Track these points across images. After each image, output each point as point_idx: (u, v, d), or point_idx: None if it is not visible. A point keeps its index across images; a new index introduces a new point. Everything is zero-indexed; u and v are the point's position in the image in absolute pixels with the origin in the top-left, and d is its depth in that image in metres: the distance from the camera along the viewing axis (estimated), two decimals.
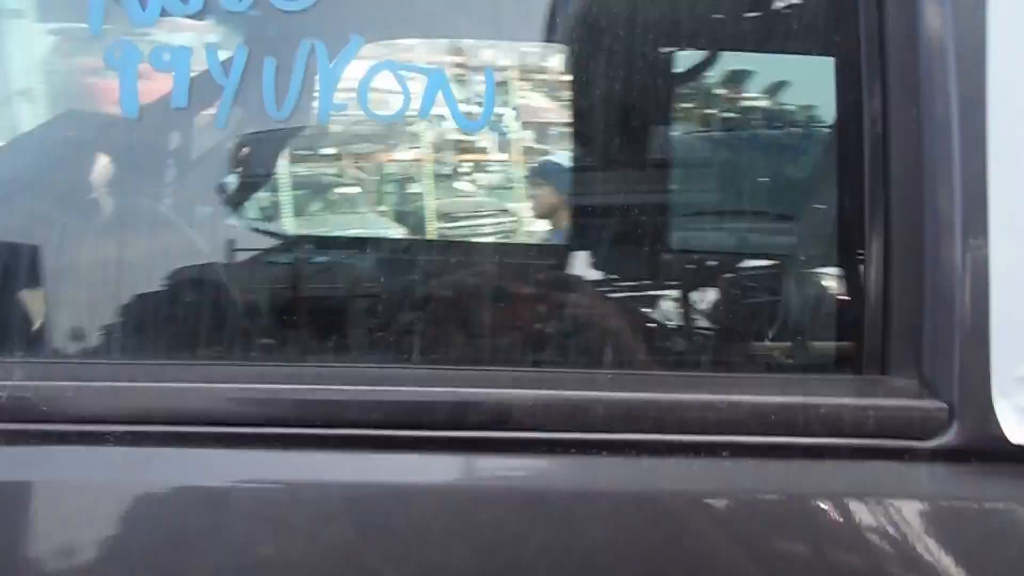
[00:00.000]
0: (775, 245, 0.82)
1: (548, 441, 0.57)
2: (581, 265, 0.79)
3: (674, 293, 0.79)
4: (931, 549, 0.56)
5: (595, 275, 0.79)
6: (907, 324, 0.61)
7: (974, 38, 0.62)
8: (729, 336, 0.81)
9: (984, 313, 0.59)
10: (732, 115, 0.82)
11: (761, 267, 0.82)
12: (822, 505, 0.57)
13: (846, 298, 0.67)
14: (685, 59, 0.79)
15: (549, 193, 0.84)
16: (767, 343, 0.76)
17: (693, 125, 0.84)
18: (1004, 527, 0.56)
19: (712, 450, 0.57)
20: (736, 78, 0.84)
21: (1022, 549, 0.55)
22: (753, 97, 0.83)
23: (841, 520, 0.56)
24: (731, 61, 0.83)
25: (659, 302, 0.80)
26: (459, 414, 0.57)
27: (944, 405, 0.58)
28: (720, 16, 0.76)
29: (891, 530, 0.57)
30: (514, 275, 0.75)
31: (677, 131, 0.80)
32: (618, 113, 0.74)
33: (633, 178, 0.79)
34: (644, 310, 0.78)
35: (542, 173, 0.83)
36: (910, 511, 0.57)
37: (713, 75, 0.81)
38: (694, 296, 0.81)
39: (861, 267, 0.66)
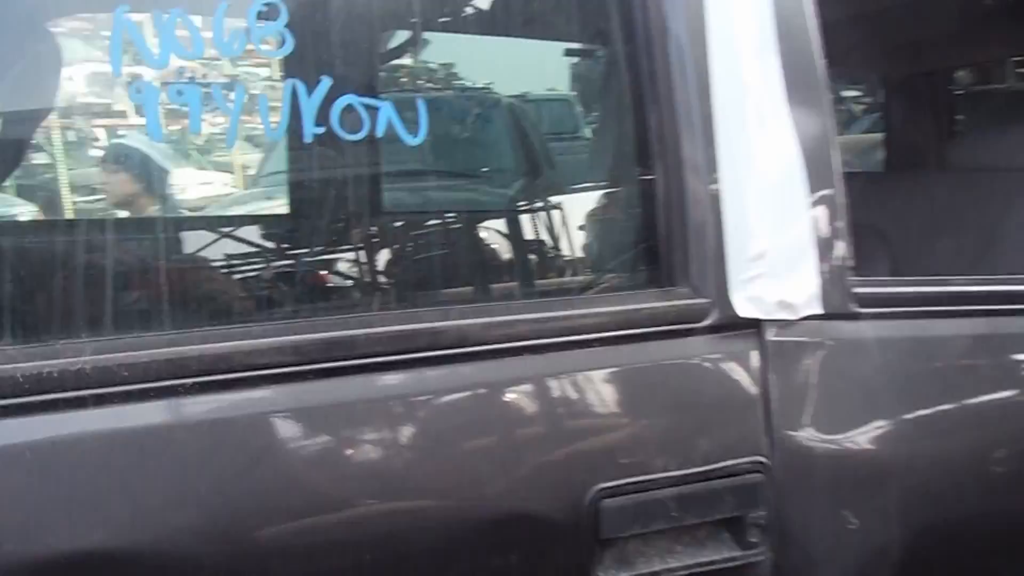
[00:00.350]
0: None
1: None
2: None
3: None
4: (704, 383, 0.82)
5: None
6: (681, 250, 0.86)
7: (697, 26, 0.84)
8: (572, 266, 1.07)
9: (720, 236, 0.84)
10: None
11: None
12: (643, 368, 0.81)
13: (644, 235, 0.90)
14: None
15: (126, 179, 0.97)
16: (606, 272, 1.01)
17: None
18: (742, 365, 0.83)
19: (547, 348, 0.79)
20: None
21: (745, 388, 0.83)
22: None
23: (655, 376, 0.81)
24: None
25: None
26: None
27: (707, 300, 0.84)
28: None
29: (683, 377, 0.82)
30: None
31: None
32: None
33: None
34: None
35: (115, 158, 0.95)
36: (692, 364, 0.83)
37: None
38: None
39: (652, 210, 0.90)
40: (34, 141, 0.93)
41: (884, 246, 1.83)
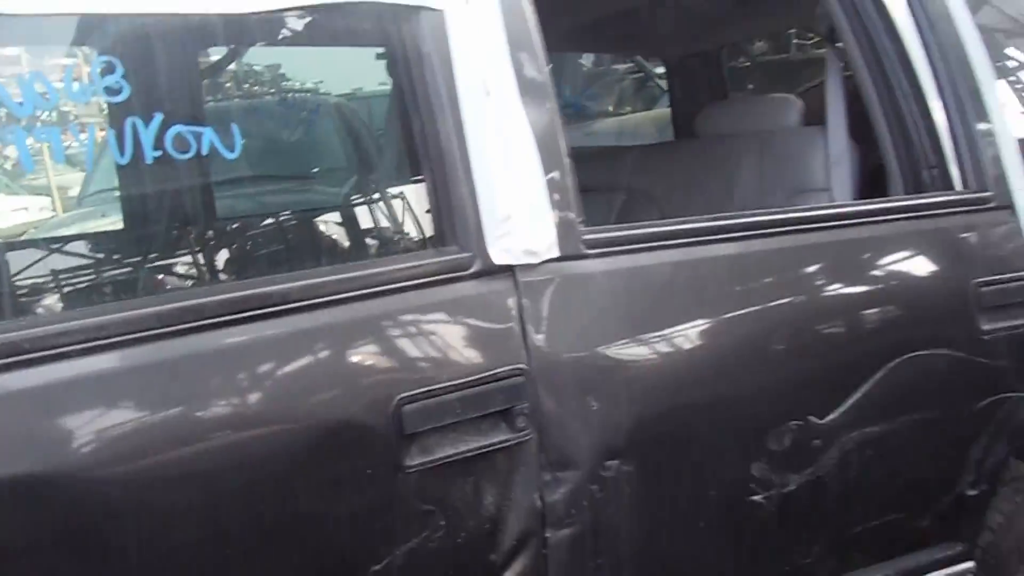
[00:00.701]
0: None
1: None
2: None
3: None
4: (475, 314, 1.10)
5: None
6: (449, 219, 1.13)
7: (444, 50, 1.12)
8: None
9: (477, 207, 1.12)
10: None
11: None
12: (428, 306, 1.08)
13: (427, 211, 1.17)
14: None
15: None
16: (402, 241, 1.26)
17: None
18: (502, 300, 1.12)
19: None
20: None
21: (506, 316, 1.12)
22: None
23: (438, 312, 1.09)
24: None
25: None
26: None
27: (470, 254, 1.12)
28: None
29: (459, 312, 1.10)
30: None
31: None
32: None
33: None
34: None
35: None
36: (465, 301, 1.10)
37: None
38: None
39: (431, 192, 1.17)
40: None
41: (652, 205, 2.20)
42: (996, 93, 1.59)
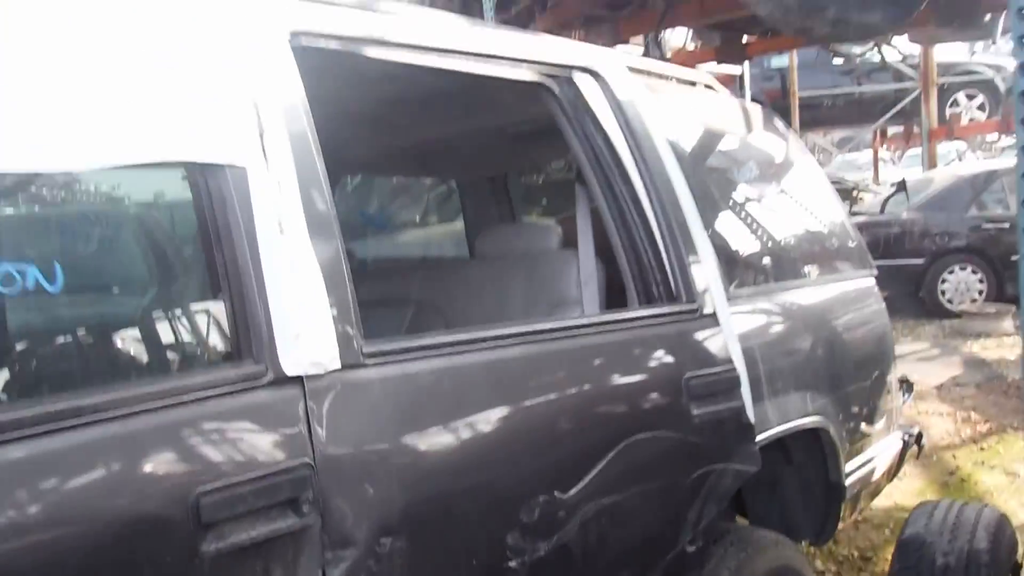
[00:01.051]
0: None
1: None
2: None
3: None
4: (268, 418, 1.31)
5: None
6: (246, 338, 1.33)
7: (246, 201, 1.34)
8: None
9: (271, 328, 1.33)
10: None
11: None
12: (225, 412, 1.27)
13: (227, 330, 1.37)
14: None
15: None
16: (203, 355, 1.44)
17: None
18: (292, 405, 1.33)
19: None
20: None
21: (294, 418, 1.32)
22: None
23: (234, 418, 1.28)
24: None
25: None
26: None
27: (263, 366, 1.32)
28: None
29: (254, 416, 1.29)
30: None
31: None
32: None
33: None
34: None
35: None
36: (260, 407, 1.30)
37: None
38: None
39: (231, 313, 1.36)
40: None
41: (439, 316, 2.49)
42: (700, 227, 2.01)
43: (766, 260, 2.44)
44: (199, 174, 1.33)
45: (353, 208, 4.28)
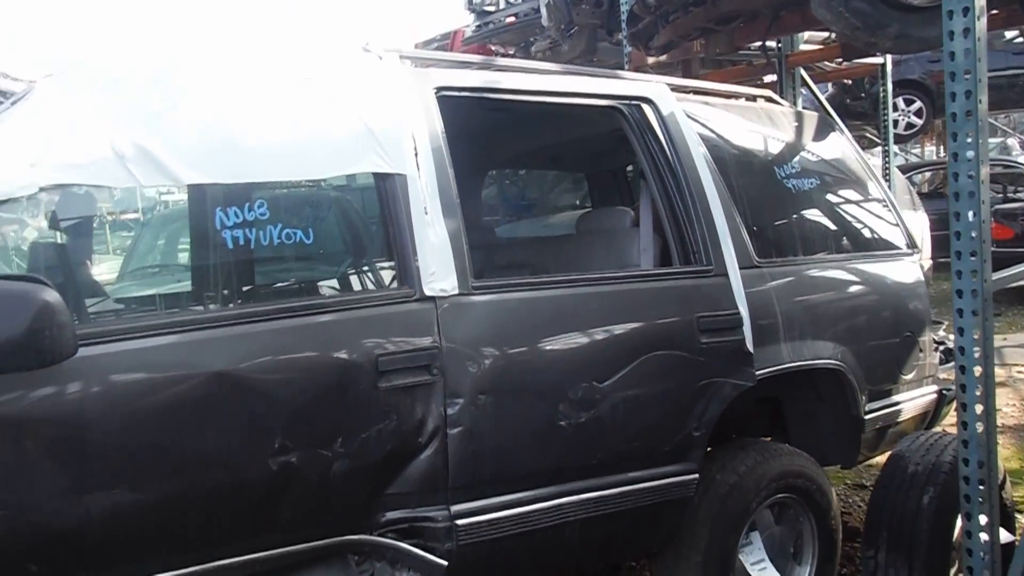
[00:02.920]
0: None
1: None
2: None
3: None
4: (415, 321, 2.29)
5: None
6: (405, 273, 2.29)
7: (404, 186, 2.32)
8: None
9: (418, 268, 2.29)
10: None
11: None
12: (366, 319, 2.26)
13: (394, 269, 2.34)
14: None
15: None
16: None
17: None
18: (429, 314, 2.31)
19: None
20: None
21: (431, 319, 2.30)
22: None
23: (395, 322, 2.27)
24: None
25: None
26: None
27: (414, 290, 2.27)
28: None
29: (406, 321, 2.29)
30: None
31: None
32: None
33: None
34: None
35: None
36: (410, 314, 2.29)
37: None
38: None
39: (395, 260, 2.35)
40: None
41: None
42: (720, 212, 2.81)
43: (794, 238, 3.18)
44: (381, 178, 2.31)
45: (500, 195, 5.31)
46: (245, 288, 2.30)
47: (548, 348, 2.41)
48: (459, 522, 2.23)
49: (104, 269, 2.90)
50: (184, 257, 2.88)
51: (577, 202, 6.95)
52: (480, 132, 3.21)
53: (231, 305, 2.23)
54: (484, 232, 4.19)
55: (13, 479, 1.70)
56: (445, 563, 2.19)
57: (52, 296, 1.62)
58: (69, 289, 2.19)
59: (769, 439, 3.30)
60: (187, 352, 1.92)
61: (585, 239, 3.38)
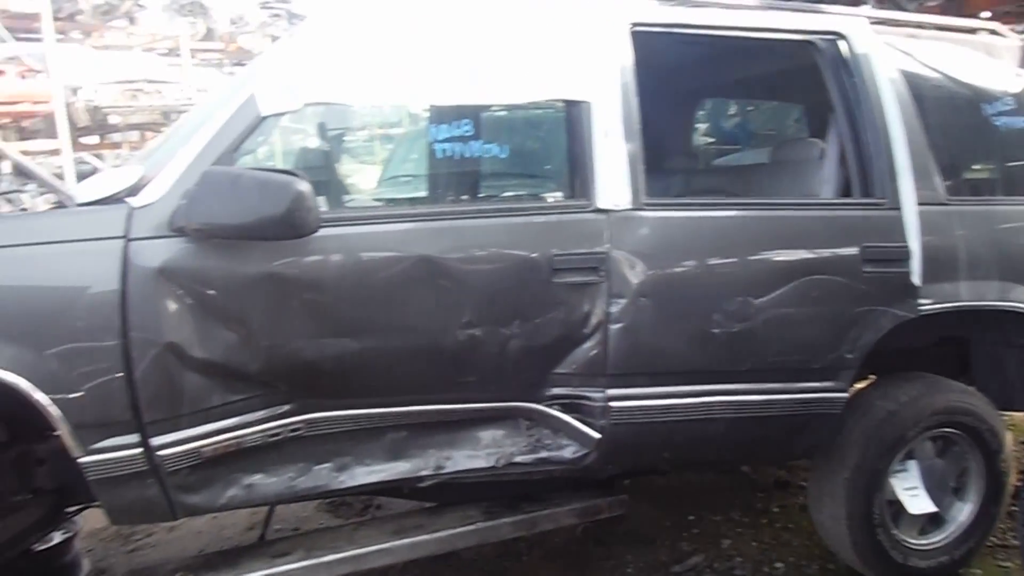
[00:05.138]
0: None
1: None
2: None
3: None
4: (592, 229, 2.66)
5: None
6: (582, 187, 2.65)
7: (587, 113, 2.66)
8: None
9: (598, 188, 2.63)
10: None
11: None
12: (580, 222, 2.64)
13: (575, 186, 2.70)
14: None
15: None
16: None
17: None
18: (601, 224, 2.66)
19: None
20: None
21: (602, 228, 2.65)
22: None
23: (580, 224, 2.65)
24: None
25: None
26: None
27: (591, 202, 2.63)
28: None
29: (584, 226, 2.65)
30: None
31: None
32: None
33: None
34: None
35: None
36: (587, 221, 2.65)
37: None
38: None
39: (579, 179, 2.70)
40: None
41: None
42: (903, 147, 2.87)
43: (996, 178, 3.13)
44: (570, 104, 2.66)
45: (717, 126, 5.45)
46: (448, 191, 2.79)
47: (708, 262, 2.67)
48: (613, 404, 2.60)
49: (347, 171, 3.55)
50: (403, 166, 3.45)
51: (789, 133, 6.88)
52: (681, 65, 3.44)
53: (436, 204, 2.73)
54: (689, 158, 4.41)
55: (272, 321, 2.31)
56: (598, 436, 2.59)
57: (305, 186, 2.16)
58: (319, 184, 2.79)
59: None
60: (400, 239, 2.43)
61: (775, 169, 3.52)
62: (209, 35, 17.60)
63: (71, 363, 2.10)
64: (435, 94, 2.52)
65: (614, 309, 2.57)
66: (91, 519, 3.51)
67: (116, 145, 12.71)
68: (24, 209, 3.20)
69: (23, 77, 10.59)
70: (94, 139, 12.80)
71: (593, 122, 2.61)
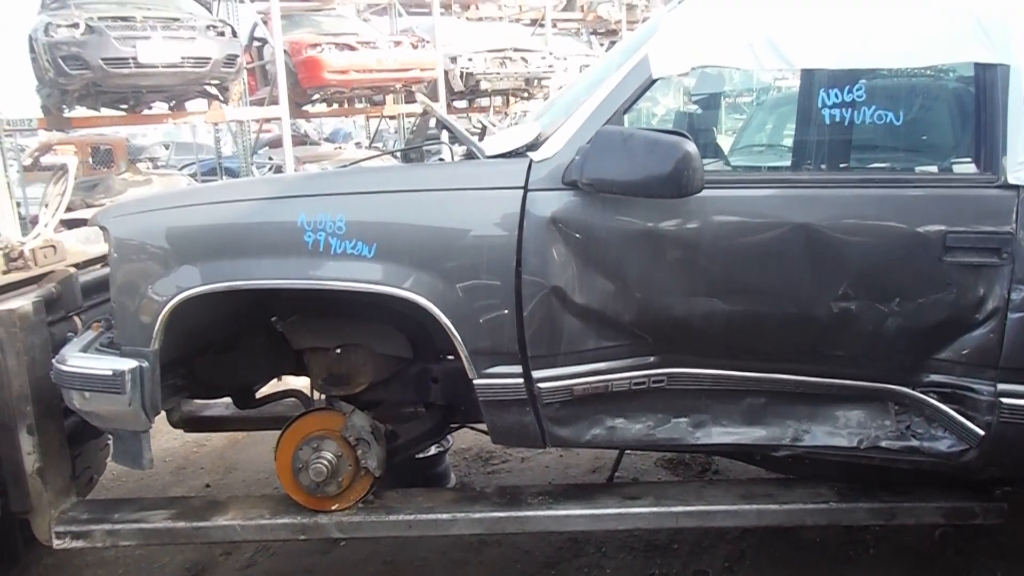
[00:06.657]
0: None
1: None
2: None
3: None
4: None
5: None
6: (988, 154, 2.38)
7: None
8: None
9: (1003, 147, 2.35)
10: None
11: None
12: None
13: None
14: None
15: None
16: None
17: None
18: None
19: None
20: None
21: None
22: None
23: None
24: None
25: None
26: None
27: (994, 175, 2.37)
28: None
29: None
30: None
31: None
32: None
33: None
34: None
35: None
36: (988, 198, 2.39)
37: None
38: None
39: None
40: None
41: None
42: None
43: None
44: (981, 67, 2.40)
45: None
46: (835, 158, 2.67)
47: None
48: (1004, 400, 2.35)
49: (726, 134, 3.55)
50: (784, 131, 3.34)
51: None
52: None
53: (822, 170, 2.63)
54: None
55: (647, 275, 2.41)
56: (982, 433, 2.37)
57: (691, 148, 2.22)
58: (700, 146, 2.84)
59: None
60: (779, 204, 2.40)
61: None
62: (570, 5, 18.40)
63: (473, 296, 2.38)
64: (828, 57, 2.43)
65: (1016, 296, 2.32)
66: (460, 439, 3.97)
67: (483, 109, 13.85)
68: (442, 159, 3.64)
69: (415, 47, 11.93)
70: (463, 103, 14.07)
71: (1011, 87, 2.34)
